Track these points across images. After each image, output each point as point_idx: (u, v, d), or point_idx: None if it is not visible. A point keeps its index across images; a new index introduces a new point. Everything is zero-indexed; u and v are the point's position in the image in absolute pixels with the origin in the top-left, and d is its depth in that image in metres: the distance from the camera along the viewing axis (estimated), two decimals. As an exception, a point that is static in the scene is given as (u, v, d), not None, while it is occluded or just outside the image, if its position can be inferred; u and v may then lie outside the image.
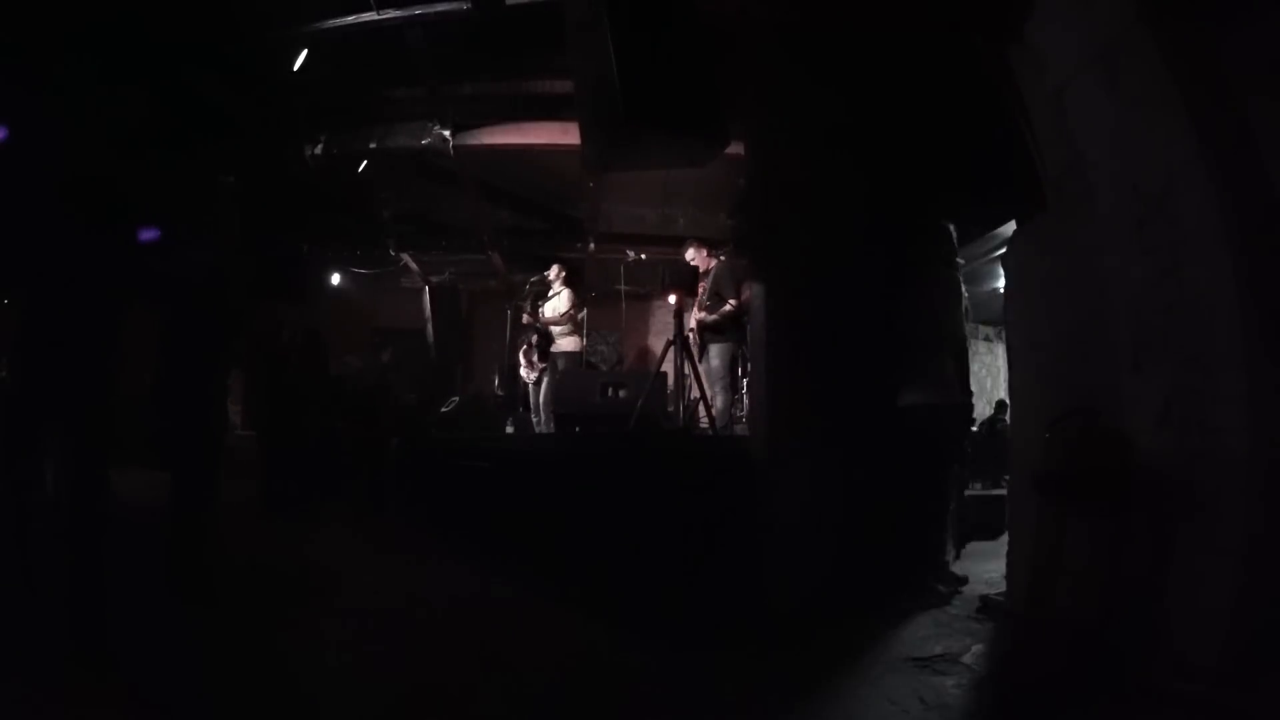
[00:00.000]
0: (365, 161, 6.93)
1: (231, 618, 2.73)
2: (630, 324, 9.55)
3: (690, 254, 5.58)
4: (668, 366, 5.18)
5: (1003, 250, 3.50)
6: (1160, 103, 2.14)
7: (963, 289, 3.39)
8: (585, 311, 7.06)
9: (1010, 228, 3.42)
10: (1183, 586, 2.03)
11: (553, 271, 6.78)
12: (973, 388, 3.41)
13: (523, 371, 6.99)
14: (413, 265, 9.62)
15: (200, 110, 4.99)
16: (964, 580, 3.16)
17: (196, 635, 2.54)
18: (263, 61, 5.23)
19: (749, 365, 5.00)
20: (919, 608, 2.90)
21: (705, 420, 5.33)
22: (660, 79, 2.71)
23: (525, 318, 6.73)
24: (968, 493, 4.23)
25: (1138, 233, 2.24)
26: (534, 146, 6.26)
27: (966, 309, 3.40)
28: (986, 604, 2.89)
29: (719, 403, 5.12)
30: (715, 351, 5.21)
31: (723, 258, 5.51)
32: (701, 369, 5.15)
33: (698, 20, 2.93)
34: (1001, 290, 3.84)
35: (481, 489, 4.21)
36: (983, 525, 3.90)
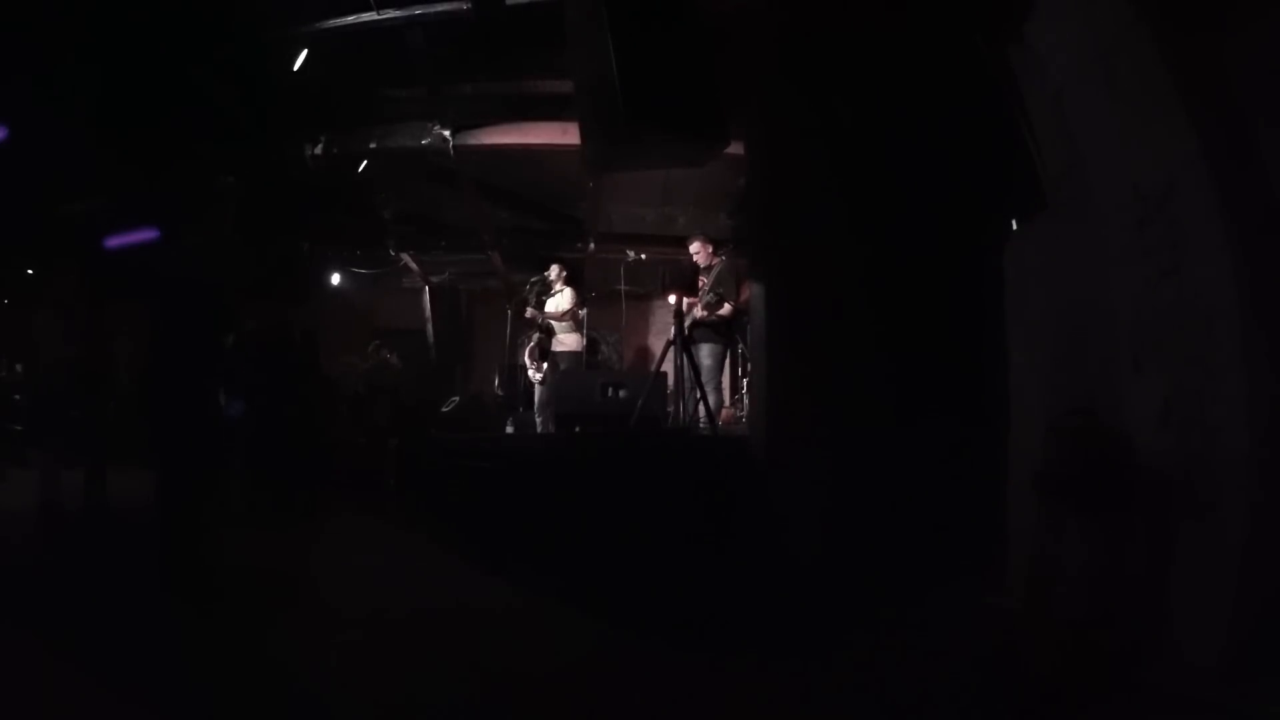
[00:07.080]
0: (365, 161, 6.93)
1: (228, 618, 2.73)
2: (630, 324, 9.54)
3: (694, 247, 5.57)
4: (668, 366, 5.18)
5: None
6: (1160, 103, 2.14)
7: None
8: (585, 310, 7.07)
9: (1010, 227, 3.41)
10: (1182, 587, 2.03)
11: (553, 271, 6.78)
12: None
13: (531, 374, 7.00)
14: (413, 265, 9.62)
15: (200, 110, 4.99)
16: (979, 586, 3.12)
17: (193, 636, 2.53)
18: (263, 61, 5.23)
19: (749, 365, 5.00)
20: (923, 610, 2.89)
21: (704, 420, 5.33)
22: (660, 79, 2.71)
23: (529, 311, 6.72)
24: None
25: (1138, 233, 2.24)
26: (534, 146, 6.26)
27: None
28: (986, 604, 2.88)
29: (710, 402, 5.11)
30: (706, 351, 5.20)
31: (722, 256, 5.51)
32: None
33: (698, 20, 2.93)
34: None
35: (481, 489, 4.21)
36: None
